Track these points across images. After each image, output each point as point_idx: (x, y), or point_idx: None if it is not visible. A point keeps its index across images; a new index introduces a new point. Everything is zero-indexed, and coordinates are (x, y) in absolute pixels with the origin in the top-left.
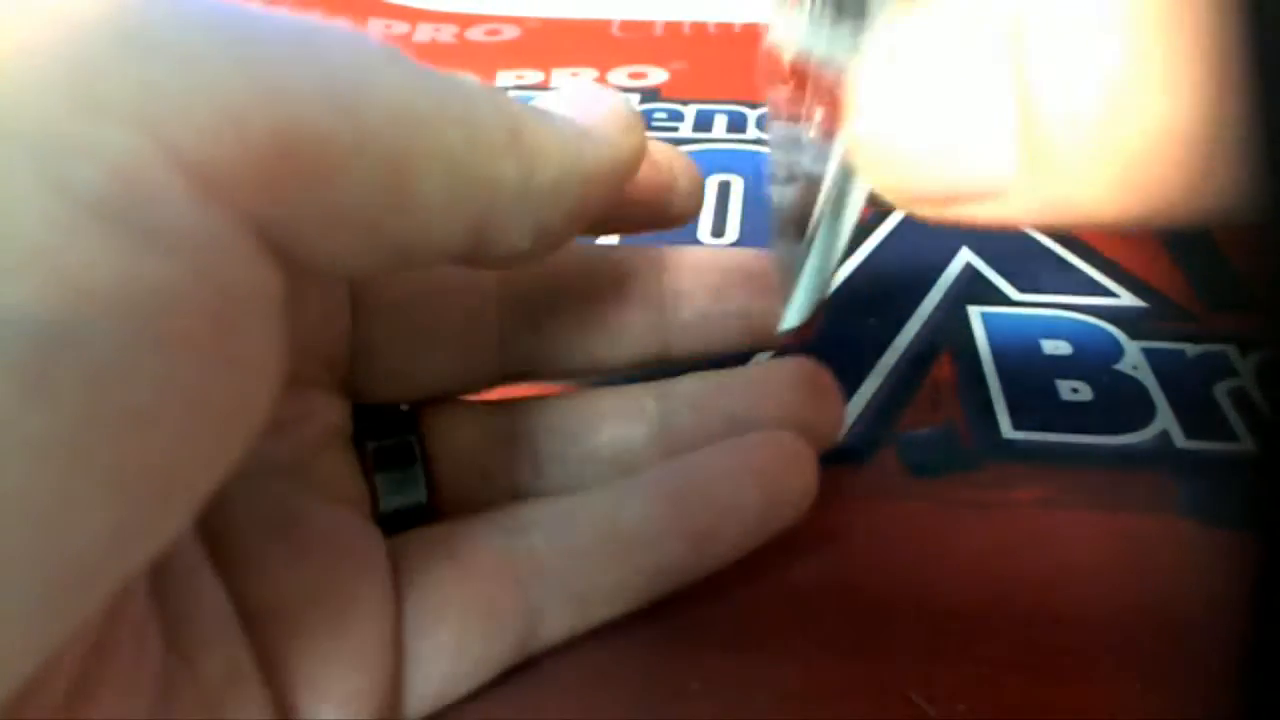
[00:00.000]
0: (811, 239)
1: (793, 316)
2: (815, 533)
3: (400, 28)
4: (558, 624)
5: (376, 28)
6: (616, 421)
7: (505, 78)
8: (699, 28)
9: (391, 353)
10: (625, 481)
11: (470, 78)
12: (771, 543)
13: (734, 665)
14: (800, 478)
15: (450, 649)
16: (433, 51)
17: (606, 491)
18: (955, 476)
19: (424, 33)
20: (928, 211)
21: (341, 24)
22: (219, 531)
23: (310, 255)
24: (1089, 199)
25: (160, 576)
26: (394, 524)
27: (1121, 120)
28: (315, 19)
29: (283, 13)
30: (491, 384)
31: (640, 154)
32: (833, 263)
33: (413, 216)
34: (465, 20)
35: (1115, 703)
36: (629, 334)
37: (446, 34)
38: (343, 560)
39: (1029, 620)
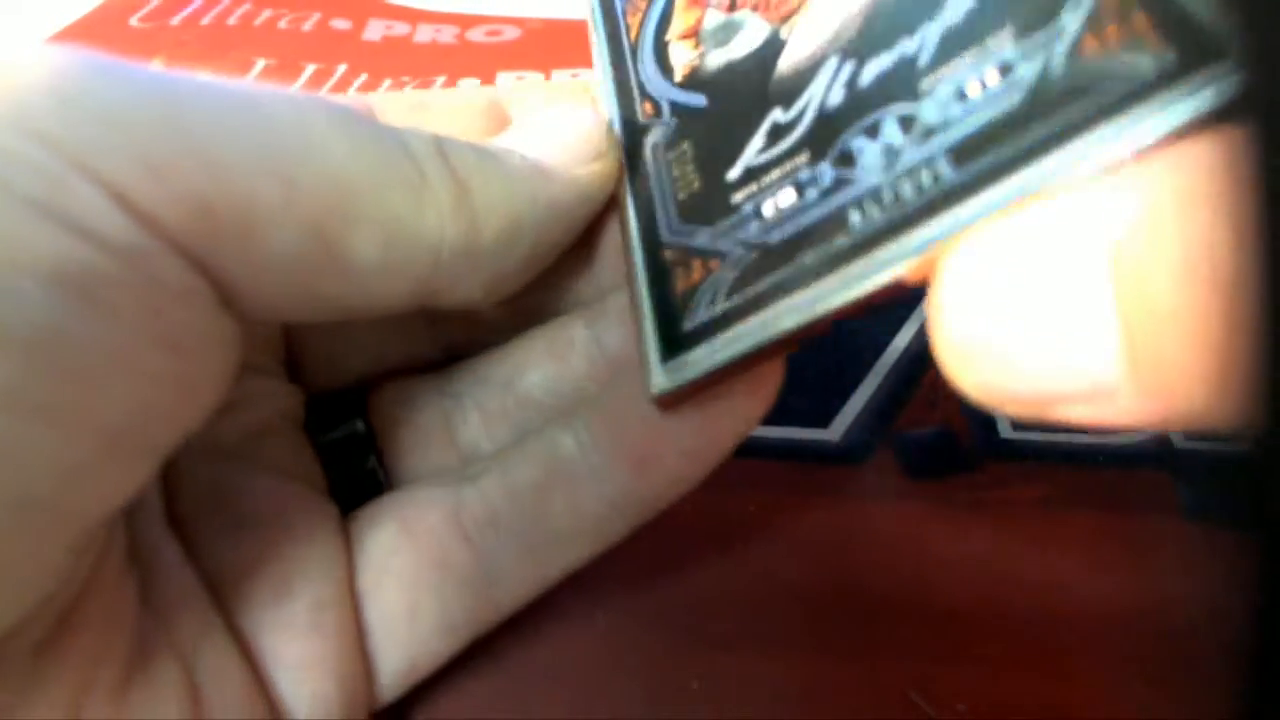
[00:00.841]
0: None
1: (658, 375)
2: (815, 533)
3: (401, 28)
4: (516, 577)
5: (377, 29)
6: (547, 360)
7: (505, 78)
8: None
9: (325, 338)
10: (561, 418)
11: (422, 135)
12: (772, 543)
13: (734, 665)
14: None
15: (404, 610)
16: (433, 52)
17: (544, 430)
18: (954, 477)
19: (424, 33)
20: (1025, 413)
21: (294, 91)
22: (166, 507)
23: (243, 302)
24: (1199, 398)
25: (134, 542)
26: (349, 504)
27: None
28: (267, 86)
29: (240, 80)
30: (432, 356)
31: (609, 181)
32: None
33: (348, 276)
34: (466, 21)
35: (1115, 703)
36: (564, 286)
37: (447, 35)
38: (287, 530)
39: (1029, 620)
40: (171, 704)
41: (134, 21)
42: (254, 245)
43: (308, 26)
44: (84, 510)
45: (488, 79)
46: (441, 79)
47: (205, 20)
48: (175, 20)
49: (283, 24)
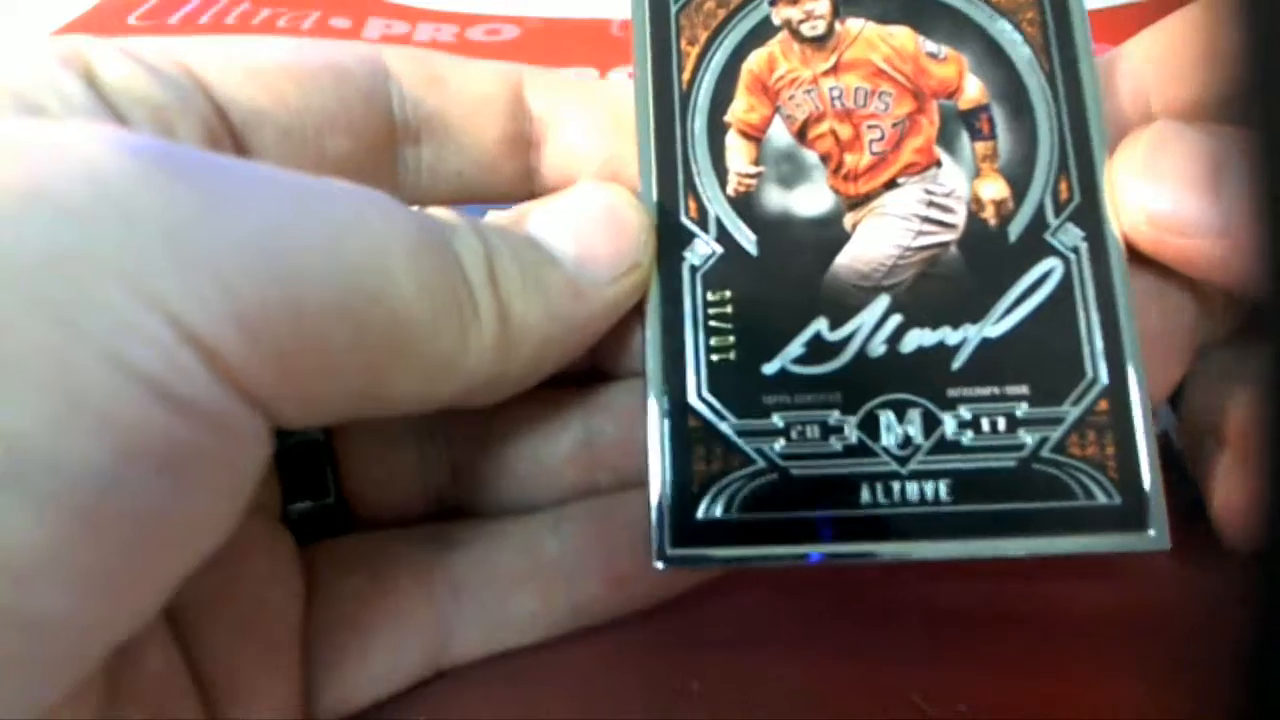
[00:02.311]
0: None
1: (666, 549)
2: None
3: (400, 27)
4: (468, 645)
5: (376, 27)
6: (532, 433)
7: None
8: None
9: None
10: (550, 513)
11: (476, 250)
12: None
13: (734, 665)
14: None
15: (355, 652)
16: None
17: (531, 520)
18: None
19: (424, 32)
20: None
21: (376, 200)
22: None
23: (279, 420)
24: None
25: None
26: (306, 528)
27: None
28: (352, 195)
29: (323, 185)
30: None
31: (640, 292)
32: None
33: (381, 402)
34: (465, 20)
35: (1115, 703)
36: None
37: (446, 34)
38: (247, 568)
39: (1029, 620)
40: None
41: (132, 20)
42: (314, 387)
43: (307, 25)
44: (97, 649)
45: None
46: None
47: (203, 19)
48: (173, 19)
49: (281, 23)
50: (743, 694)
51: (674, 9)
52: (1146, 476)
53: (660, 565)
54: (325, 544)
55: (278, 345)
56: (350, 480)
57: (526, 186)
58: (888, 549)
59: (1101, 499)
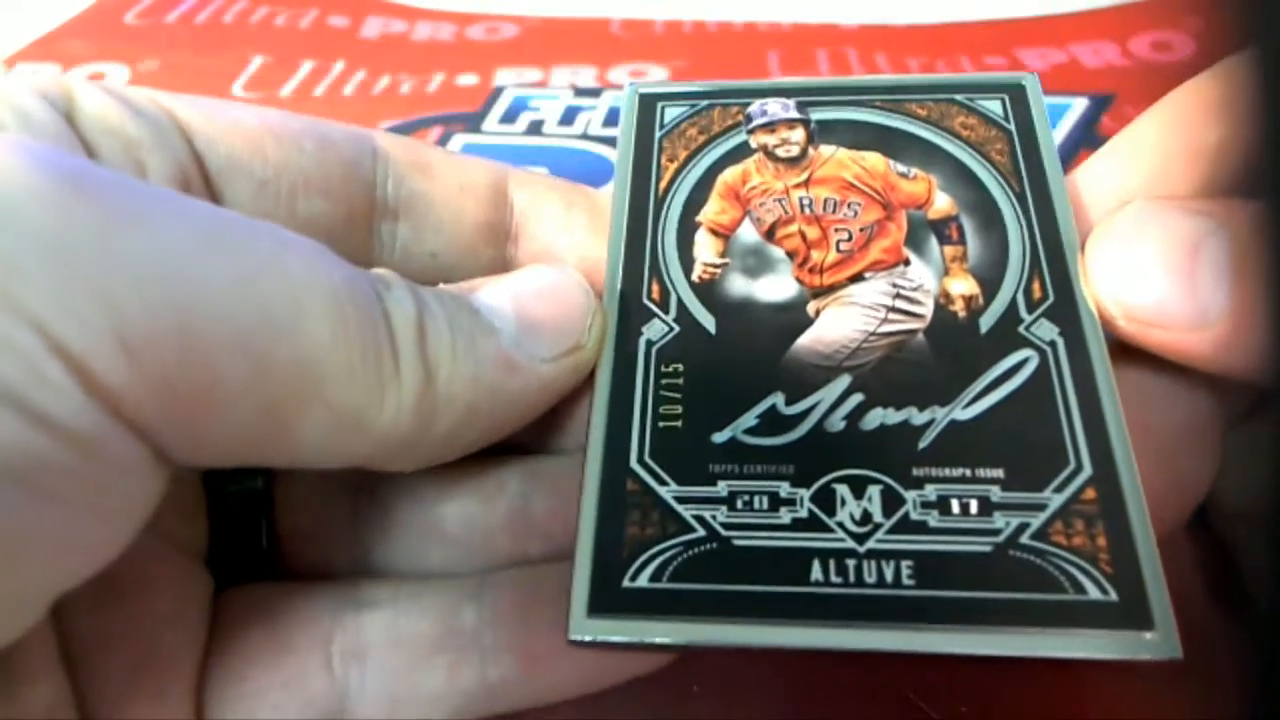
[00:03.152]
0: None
1: (579, 621)
2: None
3: (399, 26)
4: (365, 713)
5: (375, 26)
6: (470, 497)
7: (505, 76)
8: (699, 26)
9: None
10: (474, 579)
11: (408, 312)
12: None
13: (734, 665)
14: None
15: (240, 709)
16: (431, 49)
17: (452, 585)
18: None
19: (423, 30)
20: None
21: (308, 250)
22: None
23: (177, 459)
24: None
25: None
26: (230, 574)
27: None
28: (276, 240)
29: (249, 227)
30: None
31: (580, 372)
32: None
33: (284, 451)
34: (464, 19)
35: (1115, 703)
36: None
37: (445, 32)
38: (150, 605)
39: None
40: None
41: (129, 19)
42: (205, 421)
43: (305, 23)
44: None
45: (486, 76)
46: (440, 76)
47: (200, 18)
48: (170, 18)
49: (279, 21)
50: (742, 694)
51: (658, 134)
52: (1147, 571)
53: (578, 637)
54: (234, 591)
55: (163, 371)
56: (280, 527)
57: None
58: (839, 635)
59: (1094, 593)
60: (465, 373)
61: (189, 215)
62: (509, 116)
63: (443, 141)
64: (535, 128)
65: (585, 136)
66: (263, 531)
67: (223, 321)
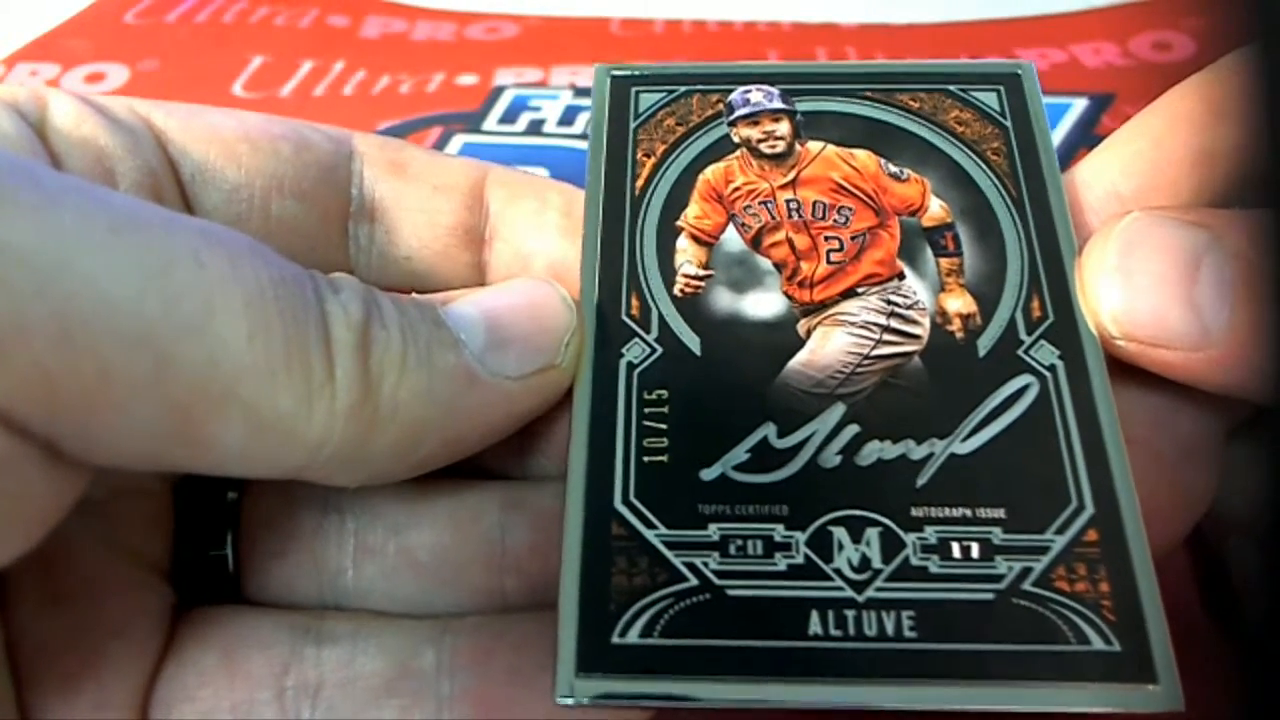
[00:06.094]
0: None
1: (566, 681)
2: None
3: (399, 25)
4: None
5: (375, 25)
6: (444, 524)
7: (504, 75)
8: (699, 26)
9: None
10: (438, 621)
11: (352, 322)
12: None
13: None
14: None
15: None
16: (431, 49)
17: (415, 625)
18: None
19: (422, 30)
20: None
21: (238, 246)
22: None
23: (78, 458)
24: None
25: None
26: (193, 583)
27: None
28: (204, 234)
29: (173, 222)
30: None
31: (550, 394)
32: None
33: (201, 455)
34: (464, 18)
35: None
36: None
37: (445, 31)
38: (101, 617)
39: None
40: None
41: (129, 18)
42: (98, 419)
43: (304, 23)
44: None
45: (486, 76)
46: (440, 76)
47: (200, 17)
48: (170, 17)
49: (279, 20)
50: None
51: (633, 125)
52: (1150, 619)
53: (568, 699)
54: (198, 610)
55: (38, 364)
56: (244, 544)
57: (478, 281)
58: (842, 692)
59: (1097, 643)
60: (415, 384)
61: (98, 207)
62: (509, 116)
63: (443, 141)
64: (535, 127)
65: (585, 136)
66: (227, 546)
67: (117, 314)
